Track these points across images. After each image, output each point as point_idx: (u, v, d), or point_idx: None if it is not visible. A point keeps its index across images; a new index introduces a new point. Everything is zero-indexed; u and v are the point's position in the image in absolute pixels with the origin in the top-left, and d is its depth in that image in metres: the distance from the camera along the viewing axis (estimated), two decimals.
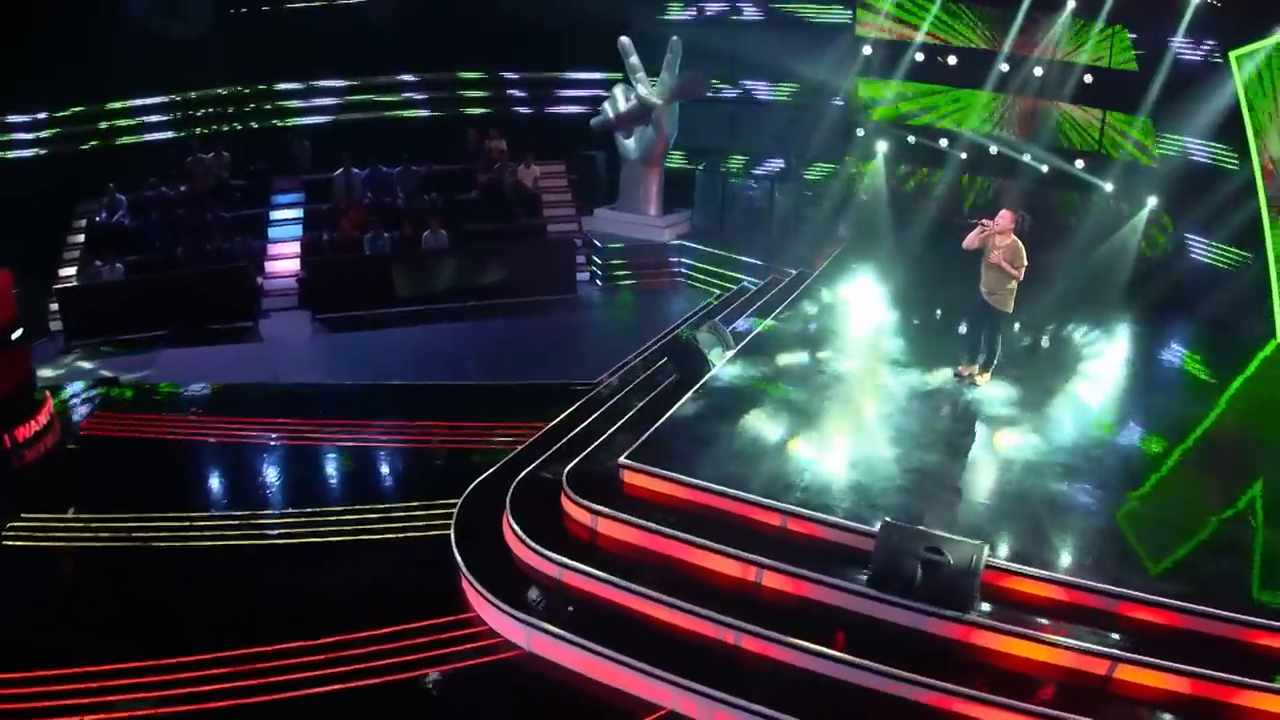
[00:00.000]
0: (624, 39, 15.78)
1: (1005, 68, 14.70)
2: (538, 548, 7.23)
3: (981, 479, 8.01)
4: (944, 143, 15.89)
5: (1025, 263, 9.14)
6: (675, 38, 15.42)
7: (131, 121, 16.35)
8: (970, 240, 9.28)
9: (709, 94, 16.22)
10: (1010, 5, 14.03)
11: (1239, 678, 5.85)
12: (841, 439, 8.45)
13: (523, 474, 8.30)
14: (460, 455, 9.79)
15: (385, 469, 9.85)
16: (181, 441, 10.18)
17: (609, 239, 16.65)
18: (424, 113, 17.80)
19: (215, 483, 9.59)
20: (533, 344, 13.95)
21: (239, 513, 8.64)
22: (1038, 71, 14.39)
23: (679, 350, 9.76)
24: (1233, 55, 11.99)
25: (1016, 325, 10.43)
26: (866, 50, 15.86)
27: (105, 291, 13.56)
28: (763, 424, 8.61)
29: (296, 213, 15.69)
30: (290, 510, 8.70)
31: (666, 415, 8.51)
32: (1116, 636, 6.23)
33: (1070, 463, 8.18)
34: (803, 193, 16.97)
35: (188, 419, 10.68)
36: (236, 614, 7.11)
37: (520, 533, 7.42)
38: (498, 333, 14.29)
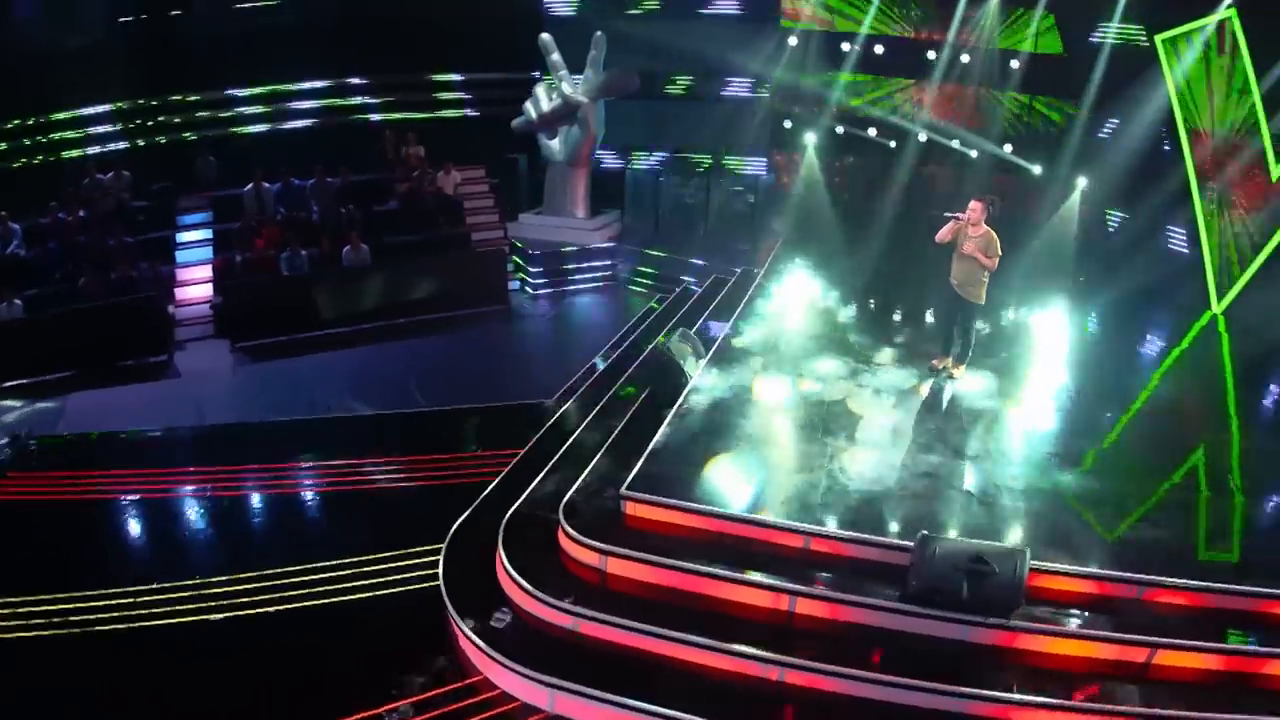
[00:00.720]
0: (545, 35, 15.16)
1: (932, 55, 14.79)
2: (547, 598, 6.61)
3: (987, 476, 7.80)
4: (872, 132, 15.93)
5: (999, 253, 9.04)
6: (599, 33, 14.89)
7: (22, 142, 14.69)
8: (943, 234, 9.16)
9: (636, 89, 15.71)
10: None
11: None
12: (841, 447, 8.11)
13: (510, 512, 7.65)
14: (427, 494, 9.10)
15: (346, 515, 8.94)
16: (110, 501, 9.01)
17: (537, 245, 15.98)
18: (336, 120, 16.65)
19: (155, 547, 8.49)
20: (473, 362, 13.25)
21: (189, 581, 7.67)
22: (965, 59, 14.53)
23: (653, 363, 9.26)
24: (1159, 39, 12.32)
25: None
26: (793, 41, 15.70)
27: (2, 332, 12.08)
28: (757, 438, 8.23)
29: (205, 233, 14.40)
30: (248, 573, 7.77)
31: (657, 437, 7.99)
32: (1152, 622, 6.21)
33: (1065, 449, 8.22)
34: (733, 189, 16.73)
35: (111, 474, 9.49)
36: (211, 705, 6.24)
37: (523, 582, 6.78)
38: (433, 351, 13.48)
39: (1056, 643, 6.22)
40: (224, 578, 7.66)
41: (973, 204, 9.00)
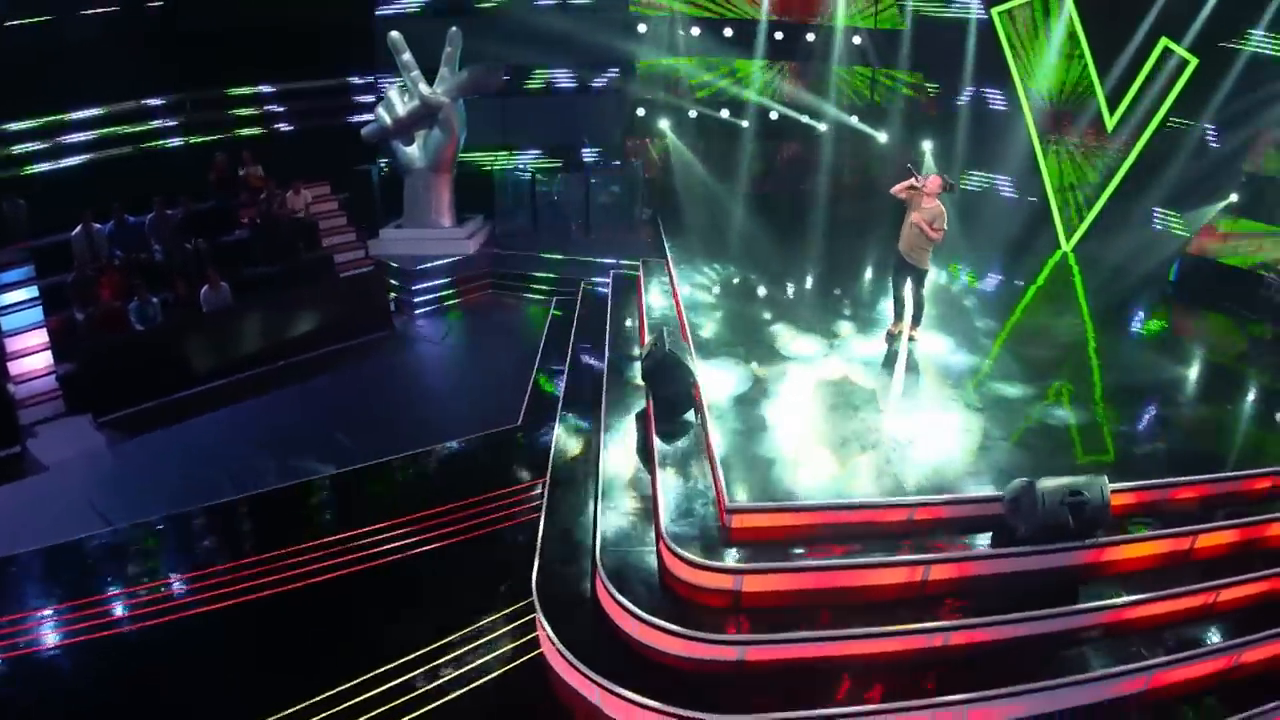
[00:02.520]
0: (394, 34, 14.07)
1: (780, 36, 15.47)
2: (708, 635, 6.26)
3: (1012, 420, 8.48)
4: (725, 113, 16.40)
5: (945, 228, 9.61)
6: (454, 29, 14.07)
7: None
8: (898, 189, 9.59)
9: (500, 86, 15.03)
10: None
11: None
12: (875, 419, 8.38)
13: (597, 555, 7.12)
14: (453, 556, 8.20)
15: (378, 590, 7.81)
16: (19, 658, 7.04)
17: (404, 261, 14.89)
18: (162, 142, 14.40)
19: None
20: (388, 396, 12.21)
21: None
22: (810, 37, 15.34)
23: (656, 370, 8.99)
24: (994, 11, 13.72)
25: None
26: (642, 28, 15.73)
27: None
28: (801, 426, 8.29)
29: (30, 291, 11.90)
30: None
31: (716, 446, 7.77)
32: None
33: (1054, 383, 9.30)
34: (595, 180, 16.54)
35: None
36: None
37: (672, 626, 6.32)
38: (335, 391, 12.22)
39: (1129, 549, 7.04)
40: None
41: (933, 178, 9.51)
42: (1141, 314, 12.06)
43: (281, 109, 15.71)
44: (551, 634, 6.64)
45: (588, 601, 6.98)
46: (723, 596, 6.63)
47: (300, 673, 6.72)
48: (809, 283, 12.68)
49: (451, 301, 14.84)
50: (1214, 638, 6.69)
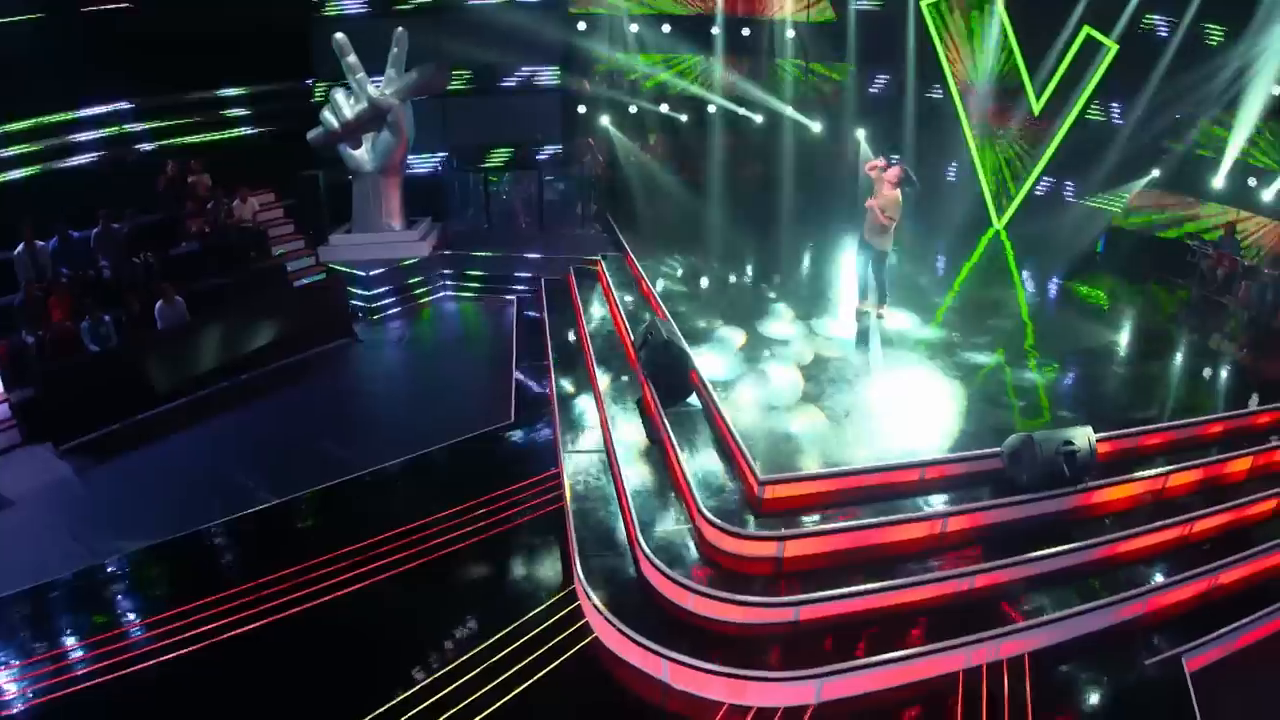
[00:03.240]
0: (339, 36, 13.87)
1: (717, 31, 16.00)
2: (764, 599, 6.68)
3: (987, 384, 9.28)
4: (665, 107, 16.81)
5: (895, 217, 10.18)
6: (400, 29, 13.97)
7: None
8: (869, 168, 10.21)
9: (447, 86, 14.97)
10: None
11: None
12: (868, 392, 9.00)
13: (638, 537, 7.38)
14: (473, 556, 8.19)
15: (423, 586, 7.80)
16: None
17: (356, 267, 14.70)
18: (100, 154, 13.75)
19: None
20: (360, 403, 12.11)
21: None
22: (745, 31, 15.92)
23: (656, 358, 9.31)
24: (924, 3, 14.57)
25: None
26: (581, 26, 15.97)
27: None
28: (806, 402, 8.78)
29: None
30: None
31: (735, 424, 8.13)
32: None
33: (1017, 349, 10.22)
34: (546, 178, 16.71)
35: None
36: None
37: (729, 595, 6.71)
38: (309, 401, 11.94)
39: (1112, 490, 7.86)
40: None
41: (893, 169, 10.10)
42: (1076, 284, 13.07)
43: (222, 115, 15.23)
44: (611, 617, 6.85)
45: (634, 583, 7.22)
46: (766, 564, 7.03)
47: (360, 683, 6.69)
48: (768, 268, 13.23)
49: (409, 305, 14.74)
50: (1192, 565, 7.50)
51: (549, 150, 17.03)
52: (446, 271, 15.22)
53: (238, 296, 13.10)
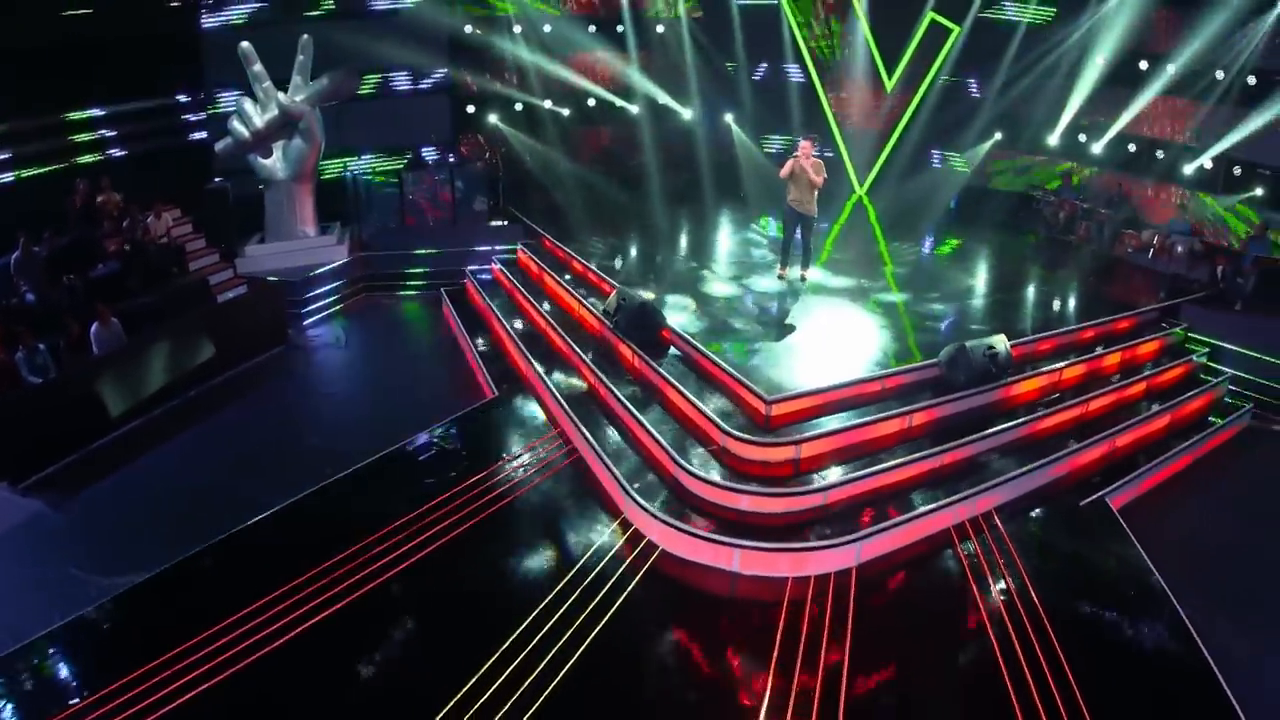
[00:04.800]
0: (245, 44, 13.91)
1: (593, 29, 17.38)
2: (797, 489, 8.17)
3: (904, 315, 11.34)
4: (548, 104, 17.91)
5: (825, 175, 11.82)
6: (306, 36, 14.21)
7: None
8: (785, 171, 11.73)
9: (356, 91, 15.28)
10: None
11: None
12: (818, 329, 10.75)
13: (676, 459, 8.57)
14: (512, 516, 8.70)
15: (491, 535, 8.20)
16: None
17: (286, 274, 14.77)
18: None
19: None
20: (325, 402, 12.21)
21: None
22: (620, 28, 17.40)
23: (634, 319, 10.49)
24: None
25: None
26: (469, 28, 16.75)
27: None
28: (768, 336, 10.48)
29: None
30: None
31: (723, 362, 9.57)
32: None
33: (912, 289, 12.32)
34: (442, 176, 17.30)
35: None
36: None
37: (770, 491, 8.15)
38: (273, 407, 11.87)
39: (1024, 384, 9.99)
40: None
41: (803, 143, 11.72)
42: (941, 237, 15.33)
43: (114, 133, 14.79)
44: (681, 524, 7.92)
45: (682, 500, 8.34)
46: (787, 466, 8.51)
47: (471, 637, 7.05)
48: (681, 240, 14.76)
49: (341, 307, 14.98)
50: (1095, 433, 9.67)
51: (445, 149, 17.67)
52: (364, 273, 15.54)
53: (170, 314, 12.93)
